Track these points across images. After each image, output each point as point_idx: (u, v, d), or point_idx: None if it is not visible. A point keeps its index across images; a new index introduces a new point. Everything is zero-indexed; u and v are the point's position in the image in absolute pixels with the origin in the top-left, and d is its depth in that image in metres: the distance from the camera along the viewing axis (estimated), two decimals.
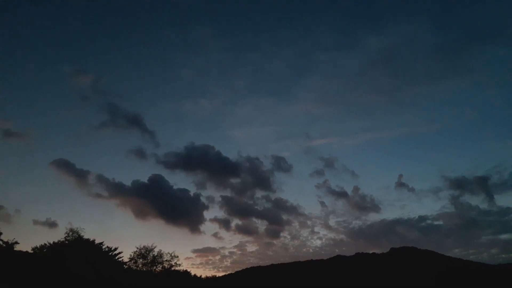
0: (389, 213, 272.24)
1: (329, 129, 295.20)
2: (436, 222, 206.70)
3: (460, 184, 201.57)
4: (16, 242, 53.71)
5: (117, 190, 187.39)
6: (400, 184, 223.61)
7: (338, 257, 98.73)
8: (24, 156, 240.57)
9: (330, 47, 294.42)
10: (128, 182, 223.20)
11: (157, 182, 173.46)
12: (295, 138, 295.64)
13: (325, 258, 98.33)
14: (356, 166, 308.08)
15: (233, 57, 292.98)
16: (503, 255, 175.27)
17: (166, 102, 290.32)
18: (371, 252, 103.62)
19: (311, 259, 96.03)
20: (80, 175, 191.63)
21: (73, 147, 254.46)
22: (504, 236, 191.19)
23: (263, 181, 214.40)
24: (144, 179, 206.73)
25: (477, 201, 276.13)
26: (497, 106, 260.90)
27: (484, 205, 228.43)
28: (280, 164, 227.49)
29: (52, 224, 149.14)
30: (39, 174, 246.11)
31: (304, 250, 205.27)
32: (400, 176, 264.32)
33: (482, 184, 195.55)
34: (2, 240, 52.65)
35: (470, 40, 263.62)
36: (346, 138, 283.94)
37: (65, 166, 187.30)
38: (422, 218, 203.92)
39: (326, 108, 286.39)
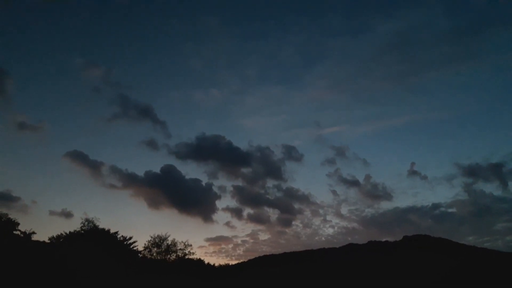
0: (401, 201, 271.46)
1: (340, 117, 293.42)
2: (450, 210, 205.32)
3: (473, 172, 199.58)
4: (33, 232, 54.76)
5: (130, 181, 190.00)
6: (413, 172, 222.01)
7: (351, 245, 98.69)
8: (38, 148, 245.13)
9: (340, 33, 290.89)
10: (141, 173, 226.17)
11: (169, 172, 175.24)
12: (306, 126, 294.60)
13: (337, 246, 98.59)
14: (367, 154, 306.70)
15: (242, 45, 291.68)
16: None
17: (176, 92, 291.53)
18: (383, 240, 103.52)
19: (324, 247, 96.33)
20: (94, 166, 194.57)
21: (86, 138, 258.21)
22: None
23: (274, 171, 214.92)
24: (157, 169, 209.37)
25: (491, 188, 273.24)
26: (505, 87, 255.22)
27: (498, 192, 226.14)
28: (291, 153, 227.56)
29: (67, 215, 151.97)
30: (54, 166, 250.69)
31: (316, 238, 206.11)
32: (413, 164, 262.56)
33: (496, 171, 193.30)
34: (20, 231, 53.70)
35: (485, 23, 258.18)
36: (357, 126, 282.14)
37: (79, 157, 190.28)
38: (435, 206, 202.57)
39: (337, 95, 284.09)
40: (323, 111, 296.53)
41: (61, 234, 56.73)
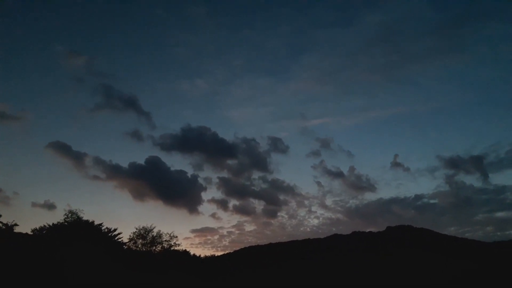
0: (385, 193, 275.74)
1: (326, 109, 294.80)
2: (432, 201, 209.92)
3: (455, 164, 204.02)
4: (16, 224, 53.85)
5: (114, 172, 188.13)
6: (396, 164, 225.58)
7: (335, 236, 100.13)
8: (20, 139, 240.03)
9: (328, 24, 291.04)
10: (125, 164, 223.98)
11: (154, 164, 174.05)
12: (292, 118, 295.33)
13: (322, 237, 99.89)
14: (352, 146, 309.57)
15: (228, 35, 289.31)
16: (498, 233, 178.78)
17: (161, 83, 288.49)
18: (367, 230, 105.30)
19: (309, 238, 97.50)
20: (77, 157, 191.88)
21: (68, 129, 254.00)
22: (500, 214, 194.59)
23: (260, 162, 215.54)
24: (141, 161, 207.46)
25: (472, 180, 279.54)
26: (496, 84, 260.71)
27: (478, 184, 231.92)
28: (277, 145, 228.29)
29: (50, 206, 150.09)
30: (36, 156, 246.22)
31: (301, 229, 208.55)
32: (396, 155, 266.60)
33: (477, 163, 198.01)
34: (1, 222, 52.77)
35: (470, 16, 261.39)
36: (342, 118, 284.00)
37: (61, 148, 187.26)
38: (418, 197, 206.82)
39: (323, 87, 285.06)
40: (310, 103, 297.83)
41: (44, 226, 56.05)
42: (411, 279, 68.54)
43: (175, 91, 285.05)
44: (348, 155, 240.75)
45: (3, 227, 52.55)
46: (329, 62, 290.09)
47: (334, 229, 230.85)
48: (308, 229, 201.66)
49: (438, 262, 74.03)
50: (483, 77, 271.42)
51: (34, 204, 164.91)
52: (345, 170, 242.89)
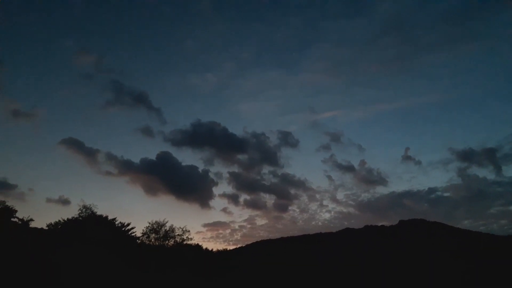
0: (397, 186, 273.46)
1: (336, 101, 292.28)
2: (445, 194, 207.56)
3: (468, 156, 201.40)
4: (31, 219, 54.73)
5: (126, 168, 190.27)
6: (407, 157, 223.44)
7: (347, 230, 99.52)
8: (34, 136, 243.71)
9: (337, 15, 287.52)
10: (136, 160, 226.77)
11: (165, 159, 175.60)
12: (301, 112, 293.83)
13: (334, 230, 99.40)
14: (362, 139, 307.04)
15: (237, 28, 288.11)
16: None
17: (170, 78, 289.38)
18: (380, 224, 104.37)
19: (320, 232, 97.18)
20: (90, 153, 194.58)
21: (80, 126, 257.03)
22: None
23: (270, 157, 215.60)
24: (152, 156, 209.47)
25: (485, 172, 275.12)
26: (510, 75, 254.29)
27: (492, 177, 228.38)
28: (287, 140, 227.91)
29: (65, 202, 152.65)
30: (50, 153, 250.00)
31: (313, 223, 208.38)
32: (407, 149, 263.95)
33: (490, 156, 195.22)
34: (17, 218, 53.67)
35: (483, 5, 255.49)
36: (352, 110, 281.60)
37: (74, 145, 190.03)
38: (431, 190, 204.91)
39: (333, 79, 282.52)
40: (319, 96, 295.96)
41: (59, 221, 56.84)
42: (424, 273, 67.97)
43: (185, 86, 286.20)
44: (359, 148, 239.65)
45: (19, 222, 53.45)
46: (338, 54, 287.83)
47: (346, 223, 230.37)
48: (319, 223, 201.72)
49: (451, 256, 73.20)
50: (497, 67, 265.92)
51: (48, 200, 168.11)
52: (355, 164, 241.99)
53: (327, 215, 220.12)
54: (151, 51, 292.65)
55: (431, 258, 72.89)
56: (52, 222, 56.83)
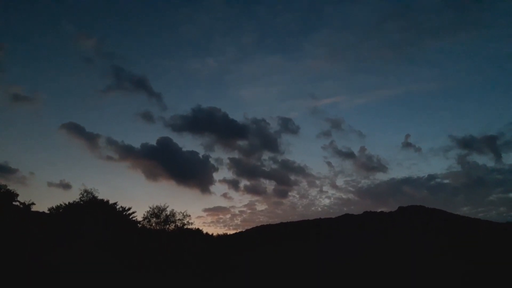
0: (397, 173, 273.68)
1: (337, 87, 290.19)
2: (445, 181, 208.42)
3: (468, 144, 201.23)
4: (33, 203, 55.12)
5: (127, 153, 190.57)
6: (407, 144, 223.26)
7: (347, 216, 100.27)
8: (34, 120, 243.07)
9: (341, 0, 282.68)
10: (137, 145, 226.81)
11: (165, 145, 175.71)
12: (302, 98, 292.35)
13: (333, 216, 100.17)
14: (363, 126, 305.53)
15: (238, 11, 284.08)
16: None
17: (171, 62, 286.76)
18: (379, 210, 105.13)
19: (320, 218, 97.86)
20: (90, 138, 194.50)
21: (81, 110, 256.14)
22: None
23: (270, 143, 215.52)
24: (153, 141, 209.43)
25: (485, 160, 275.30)
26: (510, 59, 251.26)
27: (491, 164, 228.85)
28: (287, 126, 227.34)
29: (66, 186, 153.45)
30: (50, 137, 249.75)
31: (312, 208, 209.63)
32: (408, 135, 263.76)
33: (490, 143, 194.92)
34: (19, 202, 54.04)
35: None
36: (353, 97, 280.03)
37: (75, 129, 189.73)
38: (431, 177, 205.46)
39: (334, 65, 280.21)
40: (320, 81, 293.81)
41: (61, 204, 57.20)
42: (422, 260, 68.71)
43: (185, 71, 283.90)
44: (359, 135, 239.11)
45: (21, 206, 53.82)
46: (340, 39, 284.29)
47: (345, 209, 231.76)
48: (319, 209, 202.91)
49: (449, 242, 73.90)
50: (500, 55, 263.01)
51: (50, 184, 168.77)
52: (356, 151, 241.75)
53: (326, 201, 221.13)
54: (152, 35, 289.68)
55: (429, 244, 73.60)
56: (54, 206, 57.26)
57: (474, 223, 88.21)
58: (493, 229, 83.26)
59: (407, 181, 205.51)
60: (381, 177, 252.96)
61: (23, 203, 54.17)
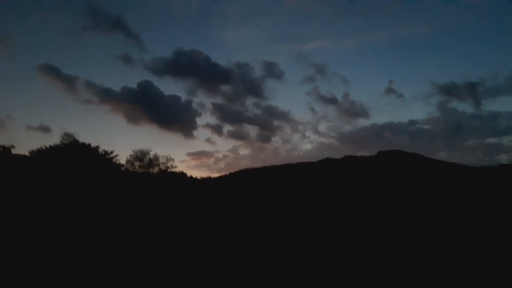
0: (378, 118, 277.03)
1: (323, 31, 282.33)
2: (425, 126, 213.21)
3: (449, 90, 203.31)
4: (13, 146, 54.48)
5: (107, 96, 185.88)
6: (390, 90, 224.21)
7: (327, 160, 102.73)
8: (7, 62, 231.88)
9: None
10: (117, 88, 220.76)
11: (146, 88, 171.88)
12: (288, 41, 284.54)
13: (315, 160, 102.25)
14: (347, 71, 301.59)
15: None
16: (486, 158, 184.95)
17: (149, 0, 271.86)
18: (359, 155, 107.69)
19: (302, 162, 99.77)
20: (68, 80, 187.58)
21: (56, 52, 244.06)
22: (491, 140, 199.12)
23: (254, 88, 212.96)
24: (133, 85, 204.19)
25: (464, 106, 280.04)
26: (499, 5, 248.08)
27: (470, 110, 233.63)
28: (272, 71, 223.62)
29: (46, 129, 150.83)
30: (26, 80, 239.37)
31: (295, 153, 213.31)
32: (391, 81, 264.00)
33: (471, 90, 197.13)
34: None
35: None
36: (339, 41, 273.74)
37: (51, 71, 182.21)
38: (412, 123, 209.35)
39: (321, 6, 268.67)
40: (306, 24, 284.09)
41: (41, 148, 56.79)
42: (398, 197, 72.11)
43: (165, 10, 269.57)
44: (343, 80, 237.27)
45: (1, 149, 53.19)
46: None
47: (326, 153, 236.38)
48: (301, 153, 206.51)
49: (425, 184, 77.30)
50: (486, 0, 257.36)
51: (29, 127, 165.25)
52: (339, 96, 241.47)
53: (308, 146, 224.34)
54: None
55: (405, 185, 76.88)
56: (34, 149, 56.81)
57: (450, 167, 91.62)
58: (467, 172, 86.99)
59: (388, 126, 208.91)
60: (363, 122, 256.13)
61: (3, 146, 53.52)
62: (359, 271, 36.50)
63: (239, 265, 40.22)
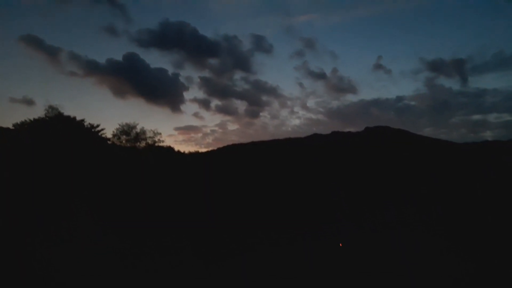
0: (366, 94, 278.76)
1: (313, 3, 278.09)
2: (412, 103, 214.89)
3: (437, 66, 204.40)
4: None
5: (92, 68, 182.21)
6: (378, 66, 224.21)
7: (315, 135, 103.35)
8: None
9: None
10: (102, 60, 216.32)
11: (132, 60, 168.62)
12: (276, 14, 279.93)
13: (302, 136, 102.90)
14: (336, 46, 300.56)
15: None
16: (472, 134, 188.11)
17: None
18: (346, 131, 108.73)
19: (290, 137, 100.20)
20: (51, 52, 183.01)
21: (39, 22, 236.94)
22: (476, 117, 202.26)
23: (242, 62, 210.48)
24: (119, 57, 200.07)
25: (451, 83, 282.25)
26: None
27: (457, 87, 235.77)
28: (261, 44, 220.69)
29: (29, 102, 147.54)
30: (8, 50, 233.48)
31: (283, 128, 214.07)
32: (380, 57, 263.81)
33: (459, 67, 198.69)
34: None
35: None
36: (328, 14, 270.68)
37: (34, 42, 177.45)
38: (399, 99, 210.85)
39: None
40: None
41: (25, 120, 55.57)
42: (383, 173, 73.36)
43: None
44: (332, 55, 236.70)
45: None
46: None
47: (314, 129, 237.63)
48: (289, 129, 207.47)
49: (411, 161, 78.64)
50: None
51: (12, 100, 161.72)
52: (328, 72, 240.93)
53: (297, 121, 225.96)
54: None
55: (392, 160, 78.12)
56: (18, 122, 55.59)
57: (435, 143, 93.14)
58: (452, 148, 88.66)
59: (376, 102, 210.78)
60: (351, 98, 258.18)
61: None
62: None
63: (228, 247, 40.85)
